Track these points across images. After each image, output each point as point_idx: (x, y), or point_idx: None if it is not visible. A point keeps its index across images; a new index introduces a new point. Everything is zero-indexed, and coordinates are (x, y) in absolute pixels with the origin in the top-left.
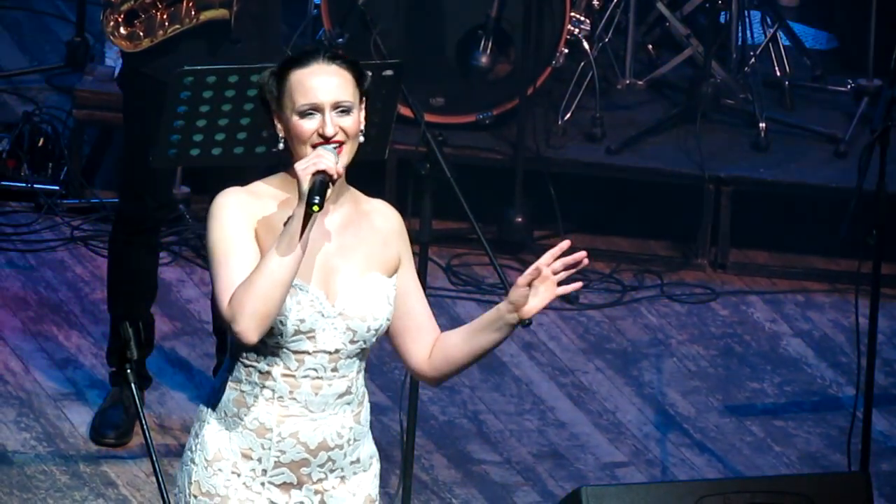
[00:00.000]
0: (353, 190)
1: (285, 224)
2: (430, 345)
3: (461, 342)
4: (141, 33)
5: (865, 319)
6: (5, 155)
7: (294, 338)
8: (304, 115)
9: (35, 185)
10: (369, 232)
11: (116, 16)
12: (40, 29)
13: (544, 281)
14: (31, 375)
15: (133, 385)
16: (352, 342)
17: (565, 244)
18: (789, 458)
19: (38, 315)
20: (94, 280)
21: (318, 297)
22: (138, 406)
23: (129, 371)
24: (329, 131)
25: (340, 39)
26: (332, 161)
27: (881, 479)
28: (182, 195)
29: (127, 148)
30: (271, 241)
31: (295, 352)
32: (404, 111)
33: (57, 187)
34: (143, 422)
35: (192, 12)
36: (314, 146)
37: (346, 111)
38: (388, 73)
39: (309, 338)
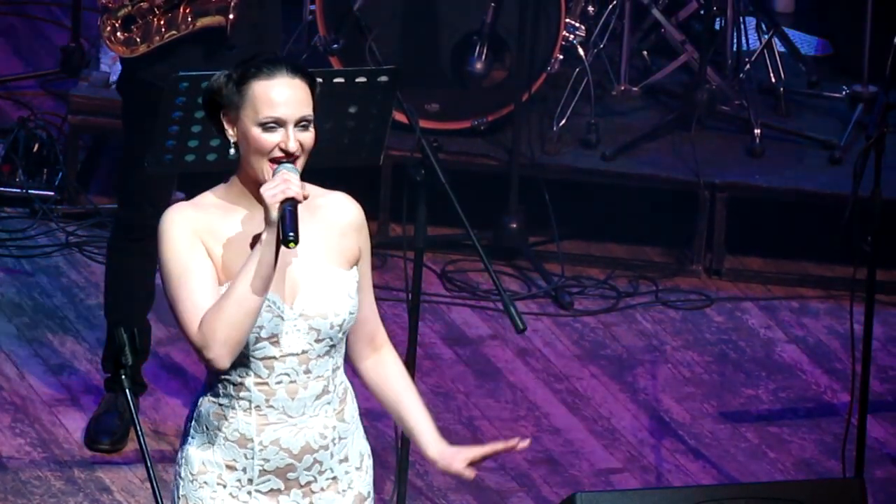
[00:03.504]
0: (305, 185)
1: (252, 244)
2: (367, 342)
3: (389, 398)
4: (138, 39)
5: (860, 326)
6: (0, 160)
7: (257, 346)
8: (266, 128)
9: (30, 191)
10: (323, 225)
11: (113, 21)
12: (35, 34)
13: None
14: (25, 381)
15: (128, 391)
16: (317, 341)
17: (517, 445)
18: (784, 465)
19: (32, 321)
20: (88, 286)
21: (273, 302)
22: (133, 412)
23: (124, 377)
24: (293, 147)
25: (335, 45)
26: (299, 186)
27: (876, 486)
28: (178, 201)
29: (125, 154)
30: (223, 253)
31: (262, 359)
32: (399, 117)
33: (52, 193)
34: (138, 428)
35: (189, 19)
36: (272, 160)
37: (306, 126)
38: (384, 79)
39: (273, 343)
